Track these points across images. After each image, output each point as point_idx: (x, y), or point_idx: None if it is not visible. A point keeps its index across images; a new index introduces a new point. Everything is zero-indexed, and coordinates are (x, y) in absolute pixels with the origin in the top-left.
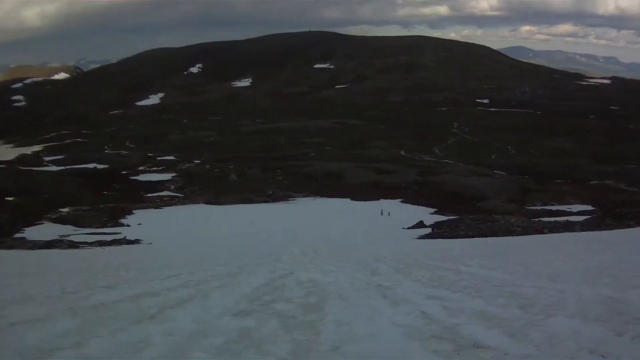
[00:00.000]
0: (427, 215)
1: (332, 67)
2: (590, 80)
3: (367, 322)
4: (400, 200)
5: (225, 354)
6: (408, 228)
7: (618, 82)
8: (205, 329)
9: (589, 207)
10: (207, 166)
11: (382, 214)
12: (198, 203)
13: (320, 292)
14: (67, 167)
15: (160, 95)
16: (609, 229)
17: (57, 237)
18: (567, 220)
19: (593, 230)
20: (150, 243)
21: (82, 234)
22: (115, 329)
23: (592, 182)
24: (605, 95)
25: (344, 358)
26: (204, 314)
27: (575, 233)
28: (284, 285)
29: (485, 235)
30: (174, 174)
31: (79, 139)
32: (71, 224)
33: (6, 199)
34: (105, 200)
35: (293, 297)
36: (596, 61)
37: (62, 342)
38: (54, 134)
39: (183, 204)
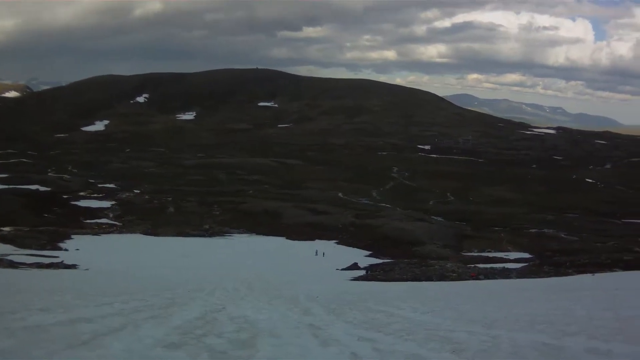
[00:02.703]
0: (362, 257)
1: (276, 105)
2: (535, 129)
3: None
4: (335, 241)
5: None
6: (342, 269)
7: (563, 133)
8: (135, 358)
9: (526, 255)
10: (146, 197)
11: (316, 254)
12: (135, 233)
13: (252, 329)
14: (11, 186)
15: (106, 122)
16: (546, 277)
17: None
18: (504, 267)
19: (530, 278)
20: (87, 269)
21: (22, 254)
22: (49, 352)
23: (530, 230)
24: (549, 145)
25: None
26: (135, 344)
27: (511, 280)
28: (215, 319)
29: (420, 280)
30: (113, 202)
31: (25, 160)
32: (11, 244)
33: None
34: (45, 223)
35: (224, 332)
36: (542, 111)
37: None
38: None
39: (121, 232)
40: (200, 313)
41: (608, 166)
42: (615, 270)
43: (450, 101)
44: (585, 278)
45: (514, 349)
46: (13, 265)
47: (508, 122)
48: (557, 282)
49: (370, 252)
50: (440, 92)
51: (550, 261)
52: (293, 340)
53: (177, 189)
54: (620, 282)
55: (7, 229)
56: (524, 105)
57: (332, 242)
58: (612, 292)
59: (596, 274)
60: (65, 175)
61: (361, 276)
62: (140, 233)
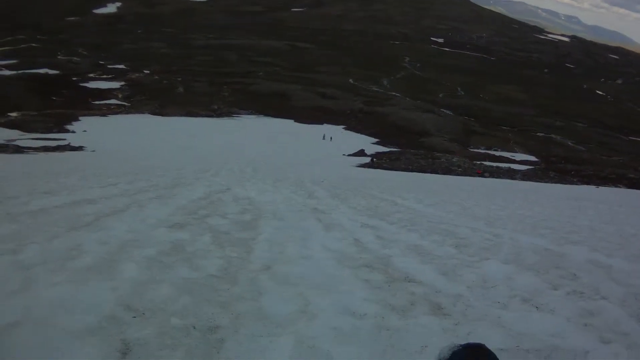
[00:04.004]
0: (369, 144)
1: None
2: (549, 35)
3: (300, 245)
4: (343, 127)
5: (157, 266)
6: (348, 155)
7: (577, 42)
8: (138, 239)
9: (532, 158)
10: (156, 77)
11: (324, 138)
12: (143, 113)
13: (255, 211)
14: (19, 71)
15: (118, 4)
16: (551, 182)
17: (3, 142)
18: (510, 168)
19: (534, 181)
20: (94, 150)
21: (28, 139)
22: (51, 235)
23: (537, 134)
24: (562, 52)
25: (274, 278)
26: (138, 224)
27: (516, 181)
28: (219, 200)
29: (425, 171)
30: (122, 83)
31: (34, 44)
32: (18, 129)
33: None
34: (53, 106)
35: (228, 213)
36: (558, 18)
37: None
38: (9, 38)
39: (129, 113)
40: (204, 193)
41: (619, 81)
42: (619, 187)
43: None
44: (590, 189)
45: (516, 250)
46: (19, 150)
47: (523, 24)
48: (561, 189)
49: (377, 140)
50: None
51: (555, 167)
52: (296, 223)
53: (187, 69)
54: (623, 199)
55: (14, 114)
56: (539, 10)
57: (340, 127)
58: (615, 207)
59: (600, 187)
60: (74, 58)
61: (367, 163)
62: (149, 113)
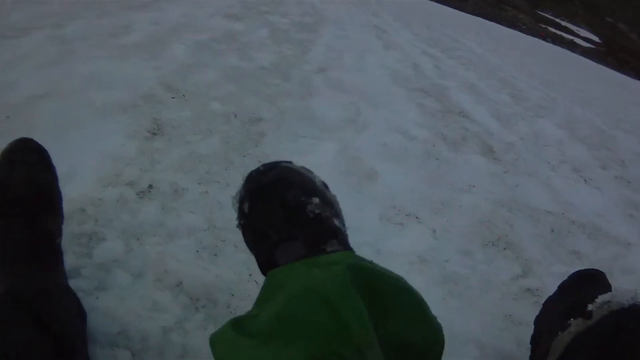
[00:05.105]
0: None
1: None
2: None
3: (358, 56)
4: None
5: (206, 51)
6: None
7: None
8: (192, 23)
9: (595, 38)
10: None
11: None
12: None
13: (317, 16)
14: None
15: None
16: (608, 67)
17: None
18: (572, 40)
19: (592, 61)
20: None
21: None
22: (101, 12)
23: (606, 18)
24: None
25: (327, 82)
26: (195, 10)
27: (575, 55)
28: (282, 1)
29: (490, 20)
30: None
31: None
32: None
33: None
34: None
35: (289, 13)
36: None
37: (42, 23)
38: None
39: None
40: None
41: None
42: None
43: None
44: None
45: (570, 118)
46: None
47: None
48: (618, 77)
49: None
50: None
51: (615, 55)
52: (357, 35)
53: None
54: None
55: None
56: None
57: None
58: None
59: None
60: None
61: None
62: None
